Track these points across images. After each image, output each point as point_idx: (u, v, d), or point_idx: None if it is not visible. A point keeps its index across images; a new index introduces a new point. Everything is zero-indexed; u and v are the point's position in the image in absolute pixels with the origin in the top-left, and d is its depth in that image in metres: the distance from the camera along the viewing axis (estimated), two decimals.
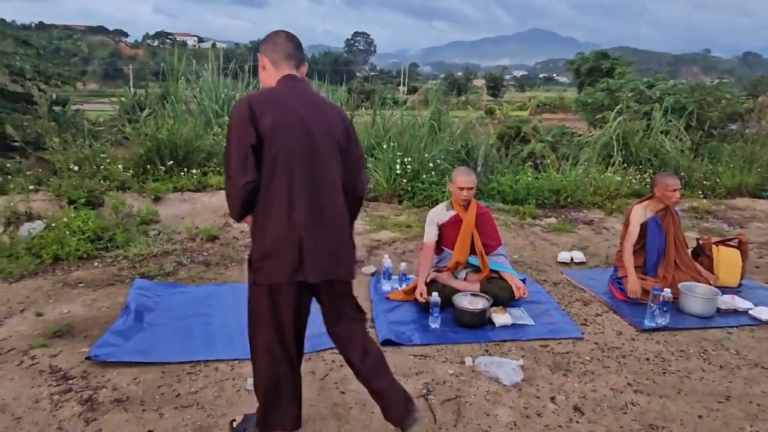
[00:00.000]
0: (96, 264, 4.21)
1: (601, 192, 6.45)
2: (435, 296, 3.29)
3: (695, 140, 8.66)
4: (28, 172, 5.48)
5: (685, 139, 8.24)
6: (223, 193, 5.96)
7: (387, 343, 3.08)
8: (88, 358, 2.80)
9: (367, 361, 2.11)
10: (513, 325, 3.33)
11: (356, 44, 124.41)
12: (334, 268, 1.97)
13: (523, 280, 3.68)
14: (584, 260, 4.60)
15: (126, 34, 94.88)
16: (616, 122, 8.22)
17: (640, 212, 3.87)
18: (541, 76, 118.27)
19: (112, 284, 3.86)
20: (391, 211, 5.86)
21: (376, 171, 6.34)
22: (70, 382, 2.64)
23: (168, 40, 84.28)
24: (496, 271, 3.64)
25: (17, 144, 6.52)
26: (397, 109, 8.40)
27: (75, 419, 2.36)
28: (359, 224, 5.41)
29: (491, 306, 3.40)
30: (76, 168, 5.26)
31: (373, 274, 4.16)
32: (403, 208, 5.94)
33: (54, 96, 8.01)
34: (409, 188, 6.13)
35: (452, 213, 3.64)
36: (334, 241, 1.96)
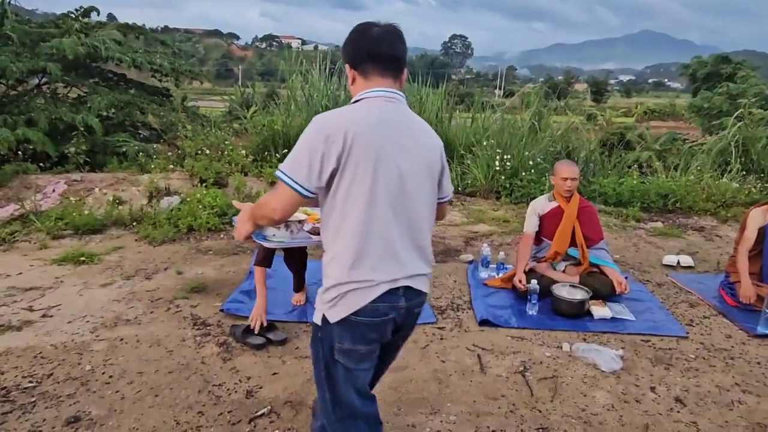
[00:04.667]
0: (222, 236, 4.74)
1: (714, 199, 6.10)
2: (534, 283, 3.38)
3: None
4: (169, 154, 6.23)
5: None
6: None
7: (484, 323, 3.23)
8: (221, 311, 3.24)
9: None
10: (612, 318, 3.33)
11: (453, 47, 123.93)
12: None
13: (625, 278, 3.66)
14: (692, 265, 4.43)
15: (237, 37, 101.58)
16: (735, 128, 7.69)
17: (759, 216, 3.68)
18: (650, 81, 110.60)
19: (235, 254, 4.34)
20: (488, 206, 5.96)
21: (475, 167, 6.46)
22: (208, 328, 3.07)
23: (275, 42, 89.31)
24: (596, 266, 3.65)
25: (149, 132, 7.43)
26: (497, 111, 8.45)
27: (214, 357, 2.76)
28: (456, 216, 5.58)
29: (590, 299, 3.42)
30: (207, 152, 5.91)
31: (470, 262, 4.30)
32: (500, 204, 6.02)
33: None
34: (508, 185, 6.19)
35: (554, 204, 3.70)
36: None
